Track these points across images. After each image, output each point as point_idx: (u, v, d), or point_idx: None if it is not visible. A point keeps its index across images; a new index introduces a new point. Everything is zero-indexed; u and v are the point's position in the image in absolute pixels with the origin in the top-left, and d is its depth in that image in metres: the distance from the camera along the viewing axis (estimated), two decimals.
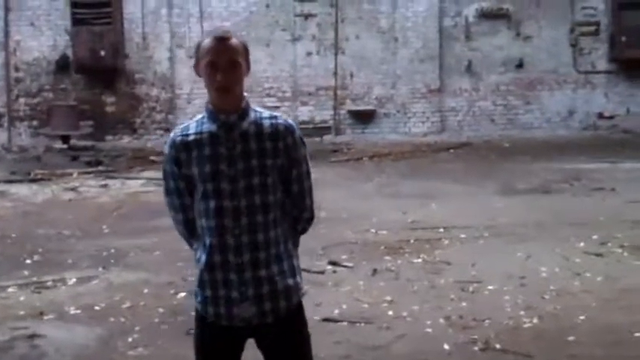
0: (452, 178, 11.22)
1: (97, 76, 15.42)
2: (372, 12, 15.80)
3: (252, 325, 2.71)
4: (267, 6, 15.68)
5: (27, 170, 12.67)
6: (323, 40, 15.77)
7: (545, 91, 15.94)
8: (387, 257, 7.00)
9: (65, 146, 14.73)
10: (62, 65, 15.42)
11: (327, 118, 15.80)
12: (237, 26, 15.42)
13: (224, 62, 2.62)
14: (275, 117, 2.74)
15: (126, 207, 9.81)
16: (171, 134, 2.78)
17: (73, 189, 11.13)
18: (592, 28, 15.91)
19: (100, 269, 6.85)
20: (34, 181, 11.88)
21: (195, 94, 15.53)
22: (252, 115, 2.72)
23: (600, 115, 15.90)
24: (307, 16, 15.75)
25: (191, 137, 2.70)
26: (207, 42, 2.66)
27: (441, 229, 8.00)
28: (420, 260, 6.89)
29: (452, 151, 14.28)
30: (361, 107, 15.80)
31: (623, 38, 15.38)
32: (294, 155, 2.74)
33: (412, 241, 7.56)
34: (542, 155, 13.15)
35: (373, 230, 8.09)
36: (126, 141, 15.50)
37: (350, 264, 6.79)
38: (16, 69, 15.54)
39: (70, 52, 15.30)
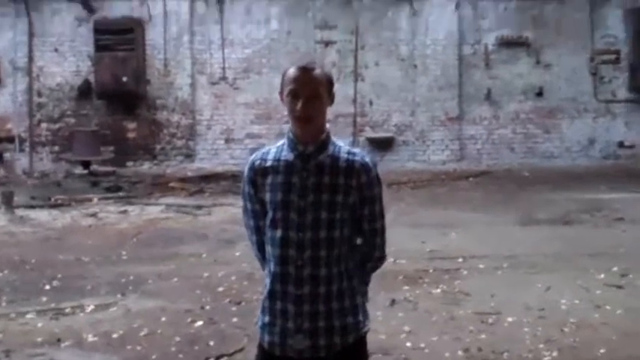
0: (471, 207, 11.17)
1: (119, 101, 15.56)
2: (391, 39, 15.85)
3: (304, 357, 2.70)
4: (289, 33, 15.79)
5: (47, 195, 12.76)
6: (343, 67, 15.82)
7: (566, 119, 15.88)
8: (406, 287, 6.97)
9: (86, 172, 14.81)
10: (84, 91, 15.58)
11: None
12: (258, 53, 15.59)
13: (306, 93, 2.64)
14: (353, 153, 2.74)
15: (145, 233, 9.85)
16: (252, 156, 2.80)
17: (93, 215, 11.19)
18: (612, 57, 15.86)
19: (119, 296, 6.87)
20: (54, 206, 11.96)
21: (215, 120, 15.67)
22: (330, 148, 2.72)
23: (621, 144, 15.79)
24: (327, 43, 15.84)
25: (269, 162, 2.73)
26: (291, 71, 2.69)
27: (460, 259, 7.96)
28: (438, 290, 6.85)
29: (471, 179, 14.23)
30: (380, 134, 15.81)
31: None
32: (367, 193, 2.74)
33: (431, 270, 7.53)
34: (562, 185, 13.07)
35: (392, 259, 8.02)
36: (146, 167, 15.59)
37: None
38: (39, 94, 15.73)
39: (92, 78, 15.46)
